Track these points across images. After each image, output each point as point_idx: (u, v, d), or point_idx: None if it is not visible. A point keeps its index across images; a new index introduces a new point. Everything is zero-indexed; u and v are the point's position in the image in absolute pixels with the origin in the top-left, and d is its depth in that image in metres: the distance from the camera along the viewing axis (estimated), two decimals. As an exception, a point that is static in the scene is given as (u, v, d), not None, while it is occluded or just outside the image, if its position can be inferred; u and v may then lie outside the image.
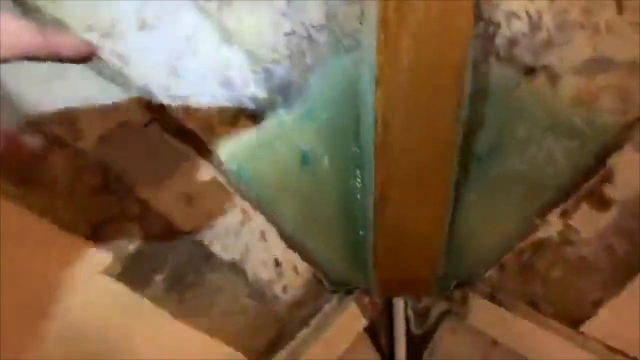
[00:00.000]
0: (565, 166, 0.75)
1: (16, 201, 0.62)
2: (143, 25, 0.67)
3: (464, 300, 0.96)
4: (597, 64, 0.67)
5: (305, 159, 0.87)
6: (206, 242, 0.82)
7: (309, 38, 0.83)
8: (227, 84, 0.77)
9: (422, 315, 1.11)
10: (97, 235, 0.71)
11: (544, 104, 0.73)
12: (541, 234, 0.83)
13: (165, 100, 0.71)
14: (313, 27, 0.83)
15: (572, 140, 0.72)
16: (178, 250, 0.79)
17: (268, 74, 0.80)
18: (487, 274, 0.93)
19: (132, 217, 0.74)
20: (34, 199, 0.64)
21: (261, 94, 0.80)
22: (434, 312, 1.08)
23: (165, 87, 0.71)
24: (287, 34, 0.80)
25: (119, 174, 0.71)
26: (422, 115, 0.70)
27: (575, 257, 0.80)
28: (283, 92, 0.82)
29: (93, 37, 0.63)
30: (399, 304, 1.11)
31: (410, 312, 1.12)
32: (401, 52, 0.64)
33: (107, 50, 0.66)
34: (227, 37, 0.75)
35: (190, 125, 0.74)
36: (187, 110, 0.73)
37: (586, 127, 0.70)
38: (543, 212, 0.82)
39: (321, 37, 0.83)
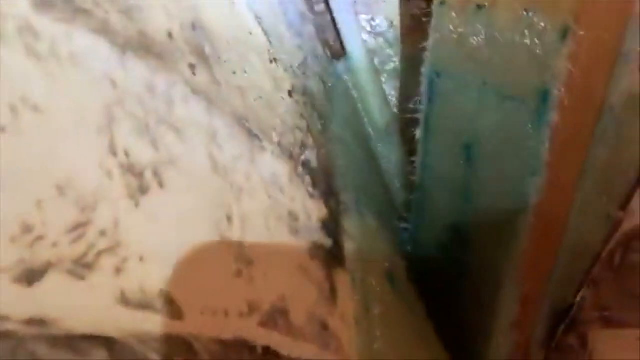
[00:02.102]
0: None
1: None
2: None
3: (582, 344, 0.76)
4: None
5: (391, 279, 0.51)
6: None
7: (305, 91, 0.49)
8: (293, 223, 0.35)
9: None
10: None
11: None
12: (627, 225, 0.70)
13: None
14: (298, 67, 0.49)
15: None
16: None
17: (307, 169, 0.42)
18: (578, 299, 0.76)
19: None
20: None
21: (322, 211, 0.42)
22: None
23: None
24: (290, 93, 0.44)
25: None
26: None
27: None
28: (329, 190, 0.46)
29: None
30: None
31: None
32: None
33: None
34: (252, 133, 0.34)
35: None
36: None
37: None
38: (624, 201, 0.68)
39: (310, 82, 0.51)
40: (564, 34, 0.36)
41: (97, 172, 0.20)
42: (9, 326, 0.14)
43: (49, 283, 0.16)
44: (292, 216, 0.35)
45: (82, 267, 0.17)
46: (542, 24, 0.37)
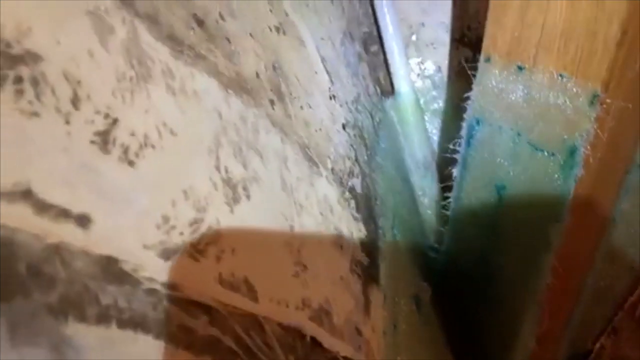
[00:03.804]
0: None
1: None
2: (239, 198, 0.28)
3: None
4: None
5: (417, 301, 0.56)
6: None
7: (356, 124, 0.55)
8: (339, 239, 0.41)
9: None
10: None
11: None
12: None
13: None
14: (352, 103, 0.55)
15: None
16: None
17: (353, 194, 0.48)
18: (597, 346, 0.78)
19: None
20: None
21: (362, 232, 0.47)
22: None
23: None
24: (344, 126, 0.50)
25: None
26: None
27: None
28: (369, 214, 0.51)
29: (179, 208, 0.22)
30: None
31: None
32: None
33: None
34: (312, 160, 0.41)
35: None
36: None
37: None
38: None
39: (360, 116, 0.57)
40: (593, 99, 0.41)
41: (207, 183, 0.26)
42: (153, 285, 0.21)
43: (177, 260, 0.22)
44: (338, 233, 0.41)
45: (197, 252, 0.23)
46: (574, 89, 0.42)
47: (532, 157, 0.47)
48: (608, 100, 0.41)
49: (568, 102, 0.43)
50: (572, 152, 0.44)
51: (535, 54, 0.44)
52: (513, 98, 0.47)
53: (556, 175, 0.46)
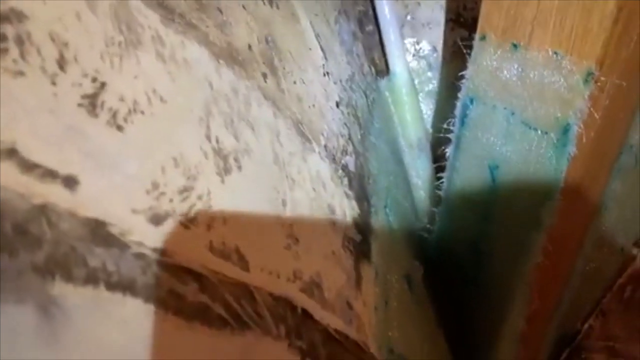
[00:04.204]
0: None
1: None
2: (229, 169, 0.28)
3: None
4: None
5: (409, 281, 0.56)
6: None
7: (349, 103, 0.55)
8: (331, 215, 0.41)
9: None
10: None
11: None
12: (640, 263, 0.73)
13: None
14: (346, 81, 0.55)
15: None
16: None
17: (346, 172, 0.48)
18: (585, 327, 0.79)
19: None
20: None
21: (355, 210, 0.47)
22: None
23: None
24: (338, 104, 0.50)
25: None
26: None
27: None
28: (362, 193, 0.51)
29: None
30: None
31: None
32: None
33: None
34: (305, 136, 0.40)
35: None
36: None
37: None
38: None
39: (354, 95, 0.57)
40: (587, 77, 0.41)
41: (198, 152, 0.26)
42: (142, 250, 0.21)
43: (167, 227, 0.22)
44: (331, 209, 0.41)
45: (187, 220, 0.23)
46: (569, 67, 0.42)
47: (526, 135, 0.47)
48: (602, 78, 0.40)
49: (562, 80, 0.42)
50: (566, 130, 0.44)
51: (530, 32, 0.44)
52: (508, 76, 0.47)
53: (549, 154, 0.46)
